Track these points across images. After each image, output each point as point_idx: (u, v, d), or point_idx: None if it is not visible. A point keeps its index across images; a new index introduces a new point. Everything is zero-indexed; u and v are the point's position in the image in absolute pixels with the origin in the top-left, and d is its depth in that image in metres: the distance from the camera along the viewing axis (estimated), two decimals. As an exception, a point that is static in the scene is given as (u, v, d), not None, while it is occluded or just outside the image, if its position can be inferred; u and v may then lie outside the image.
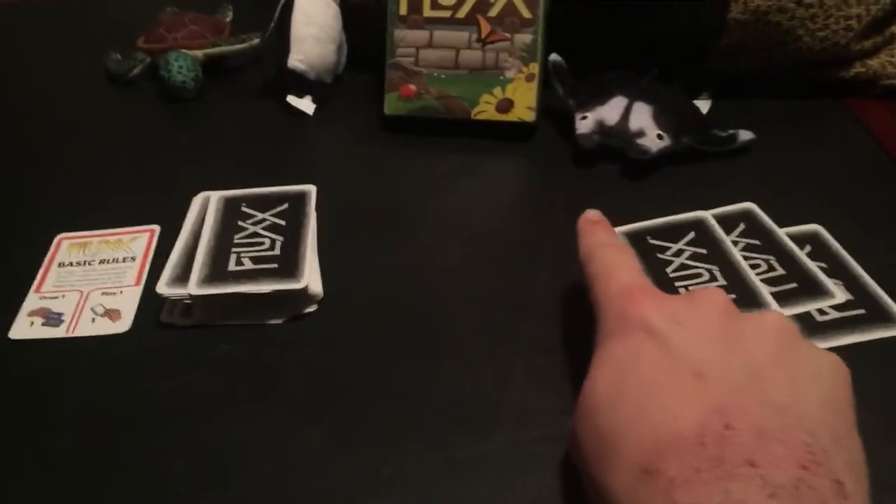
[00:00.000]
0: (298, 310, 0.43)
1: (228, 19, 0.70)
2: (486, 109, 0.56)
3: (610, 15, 0.57)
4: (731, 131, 0.53)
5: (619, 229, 0.48)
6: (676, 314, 0.30)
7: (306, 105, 0.61)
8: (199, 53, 0.65)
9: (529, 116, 0.56)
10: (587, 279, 0.35)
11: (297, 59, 0.59)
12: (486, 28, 0.54)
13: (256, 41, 0.66)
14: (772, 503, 0.23)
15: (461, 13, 0.55)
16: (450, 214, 0.51)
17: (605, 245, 0.37)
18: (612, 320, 0.32)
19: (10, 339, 0.43)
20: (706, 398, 0.27)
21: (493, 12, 0.54)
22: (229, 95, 0.65)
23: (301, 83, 0.61)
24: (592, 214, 0.40)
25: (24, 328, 0.44)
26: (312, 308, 0.44)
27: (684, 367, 0.28)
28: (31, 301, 0.45)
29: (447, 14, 0.55)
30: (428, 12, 0.55)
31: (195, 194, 0.51)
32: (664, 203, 0.50)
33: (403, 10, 0.55)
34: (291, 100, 0.61)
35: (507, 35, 0.54)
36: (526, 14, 0.54)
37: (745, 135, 0.53)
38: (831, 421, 0.27)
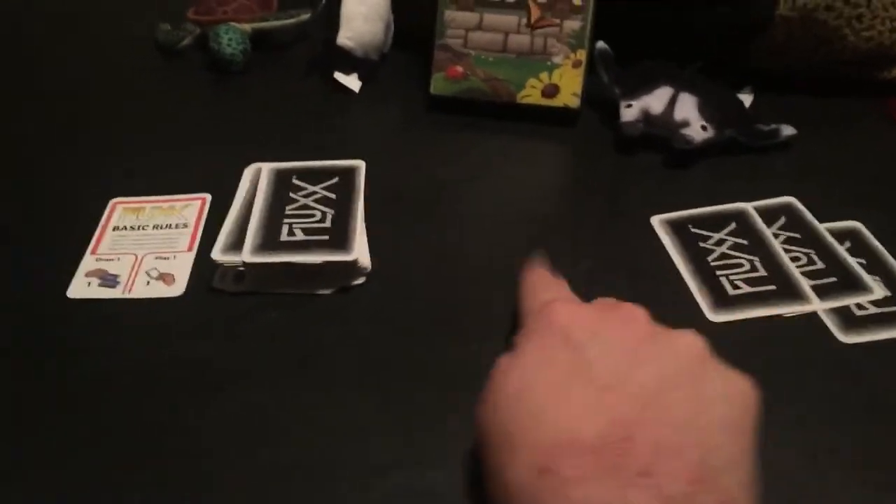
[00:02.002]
0: (346, 282, 0.44)
1: (276, -6, 0.71)
2: (531, 94, 0.57)
3: (658, 5, 0.58)
4: (773, 126, 0.54)
5: (660, 217, 0.49)
6: (594, 327, 0.31)
7: (352, 82, 0.62)
8: (247, 27, 0.66)
9: (574, 103, 0.56)
10: (519, 302, 0.37)
11: (347, 36, 0.60)
12: (536, 13, 0.55)
13: (305, 17, 0.67)
14: None
15: (512, -3, 0.55)
16: (492, 196, 0.52)
17: (540, 275, 0.39)
18: (532, 325, 0.33)
19: (68, 297, 0.45)
20: (610, 410, 0.28)
21: (544, -2, 0.55)
22: (275, 70, 0.66)
23: (348, 60, 0.62)
24: (535, 261, 0.41)
25: (81, 287, 0.45)
26: (360, 280, 0.45)
27: (593, 378, 0.29)
28: (88, 262, 0.47)
29: (498, -3, 0.56)
30: (480, -5, 0.56)
31: (244, 165, 0.52)
32: (705, 193, 0.50)
33: (455, -8, 0.56)
34: (338, 76, 0.62)
35: (557, 21, 0.55)
36: (576, 1, 0.54)
37: (787, 130, 0.53)
38: (728, 443, 0.28)
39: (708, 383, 0.29)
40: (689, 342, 0.31)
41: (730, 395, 0.29)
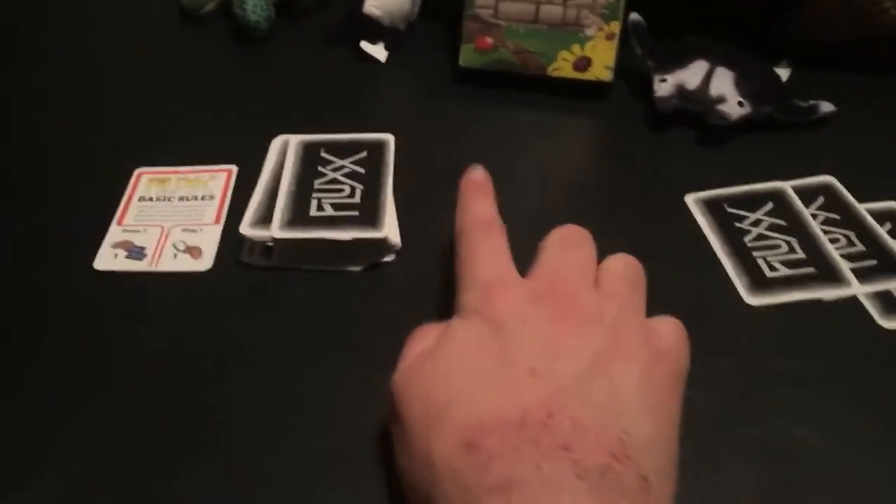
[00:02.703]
0: (376, 258, 0.44)
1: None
2: (562, 67, 0.55)
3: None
4: (811, 102, 0.52)
5: (695, 195, 0.48)
6: (524, 315, 0.32)
7: (379, 52, 0.61)
8: (272, -7, 0.65)
9: (607, 76, 0.55)
10: (455, 261, 0.37)
11: (373, 4, 0.59)
12: (569, -17, 0.54)
13: (330, -17, 0.65)
14: (579, 483, 0.26)
15: (545, -34, 0.54)
16: (522, 172, 0.51)
17: (479, 225, 0.38)
18: (466, 305, 0.34)
19: (95, 269, 0.44)
20: (534, 392, 0.29)
21: (578, -33, 0.53)
22: (300, 37, 0.65)
23: (375, 29, 0.60)
24: (477, 174, 0.41)
25: (108, 259, 0.45)
26: (390, 258, 0.44)
27: (520, 362, 0.30)
28: (114, 233, 0.46)
29: (530, -33, 0.54)
30: (511, -36, 0.54)
31: (269, 136, 0.51)
32: (741, 171, 0.49)
33: (486, -39, 0.55)
34: (364, 45, 0.61)
35: (590, -9, 0.54)
36: (611, -29, 0.53)
37: (825, 107, 0.52)
38: (650, 429, 0.28)
39: (627, 373, 0.30)
40: (607, 334, 0.31)
41: (651, 382, 0.30)
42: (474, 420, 0.28)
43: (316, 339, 0.40)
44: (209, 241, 0.45)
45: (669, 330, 0.32)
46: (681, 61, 0.53)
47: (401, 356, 0.34)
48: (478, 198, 0.39)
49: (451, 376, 0.30)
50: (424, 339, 0.34)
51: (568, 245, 0.36)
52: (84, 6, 0.72)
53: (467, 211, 0.39)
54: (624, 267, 0.35)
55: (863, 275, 0.42)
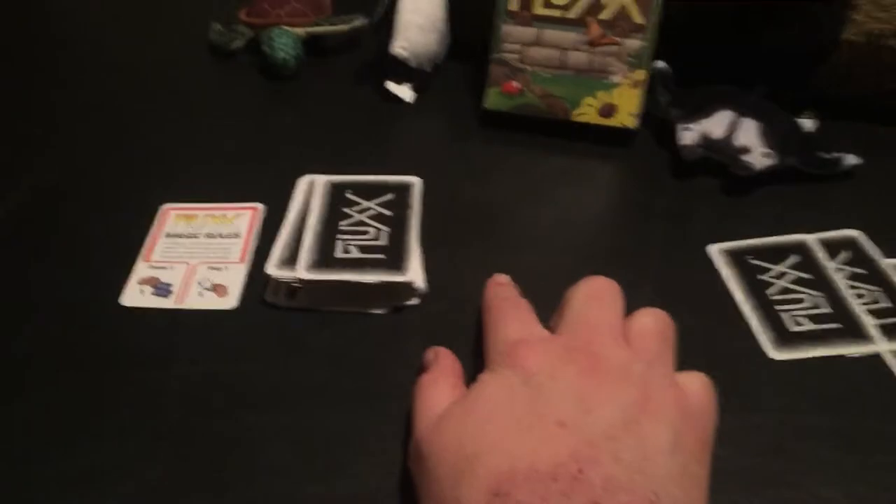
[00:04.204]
0: (400, 301, 0.44)
1: (329, -2, 0.70)
2: (587, 112, 0.56)
3: (720, 26, 0.57)
4: (836, 154, 0.52)
5: (718, 246, 0.48)
6: (554, 370, 0.32)
7: (405, 92, 0.62)
8: (301, 31, 0.65)
9: (632, 123, 0.55)
10: (483, 326, 0.38)
11: (401, 45, 0.59)
12: (596, 31, 0.54)
13: (359, 23, 0.66)
14: None
15: (572, 13, 0.54)
16: (546, 217, 0.51)
17: (503, 299, 0.39)
18: (496, 358, 0.34)
19: (121, 305, 0.45)
20: (564, 444, 0.29)
21: (606, 15, 0.54)
22: (327, 76, 0.66)
23: (402, 70, 0.61)
24: (500, 278, 0.42)
25: (135, 295, 0.45)
26: (414, 301, 0.44)
27: (550, 415, 0.30)
28: (141, 269, 0.47)
29: (558, 13, 0.55)
30: (539, 10, 0.55)
31: (295, 174, 0.52)
32: (764, 222, 0.49)
33: (514, 6, 0.55)
34: (390, 86, 0.62)
35: (618, 39, 0.54)
36: (638, 19, 0.53)
37: (850, 159, 0.52)
38: (678, 493, 0.28)
39: (658, 434, 0.30)
40: (636, 391, 0.31)
41: (682, 445, 0.30)
42: (505, 470, 0.28)
43: (338, 381, 0.41)
44: (235, 280, 0.46)
45: (699, 389, 0.32)
46: (706, 110, 0.53)
47: (418, 407, 0.35)
48: (502, 287, 0.41)
49: (482, 427, 0.31)
50: (437, 390, 0.35)
51: (596, 299, 0.36)
52: (113, 42, 0.74)
53: (492, 290, 0.40)
54: (654, 322, 0.35)
55: (889, 331, 0.42)
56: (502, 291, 0.40)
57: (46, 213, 0.52)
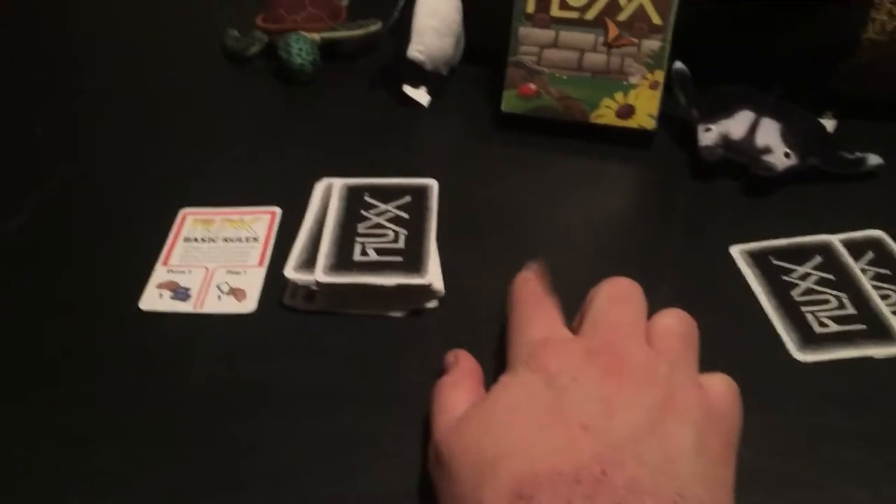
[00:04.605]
0: (419, 304, 0.44)
1: (345, 3, 0.70)
2: (605, 114, 0.56)
3: (739, 26, 0.56)
4: (858, 154, 0.52)
5: (740, 247, 0.47)
6: (576, 371, 0.31)
7: (421, 96, 0.62)
8: (317, 37, 0.65)
9: (650, 124, 0.55)
10: (507, 325, 0.37)
11: (417, 49, 0.59)
12: (613, 32, 0.54)
13: (375, 28, 0.66)
14: None
15: (590, 15, 0.54)
16: (564, 219, 0.51)
17: (529, 296, 0.38)
18: (517, 359, 0.34)
19: (140, 309, 0.45)
20: (587, 446, 0.28)
21: (623, 16, 0.53)
22: (343, 80, 0.66)
23: (418, 74, 0.61)
24: (528, 273, 0.40)
25: (153, 299, 0.45)
26: (432, 304, 0.44)
27: (572, 416, 0.30)
28: (160, 273, 0.47)
29: (575, 15, 0.54)
30: (556, 12, 0.54)
31: (312, 178, 0.52)
32: (786, 223, 0.49)
33: (531, 8, 0.55)
34: (407, 90, 0.61)
35: (635, 40, 0.54)
36: (656, 20, 0.53)
37: (873, 159, 0.52)
38: (703, 494, 0.28)
39: (682, 435, 0.29)
40: (660, 392, 0.31)
41: (706, 445, 0.29)
42: (528, 472, 0.28)
43: (357, 384, 0.40)
44: (253, 284, 0.46)
45: (723, 390, 0.32)
46: (726, 111, 0.53)
47: (437, 410, 0.34)
48: (528, 283, 0.39)
49: (504, 428, 0.30)
50: (457, 393, 0.34)
51: (618, 299, 0.35)
52: (130, 48, 0.74)
53: (518, 289, 0.39)
54: (678, 323, 0.34)
55: (915, 333, 0.41)
56: (530, 286, 0.39)
57: (67, 218, 0.52)
